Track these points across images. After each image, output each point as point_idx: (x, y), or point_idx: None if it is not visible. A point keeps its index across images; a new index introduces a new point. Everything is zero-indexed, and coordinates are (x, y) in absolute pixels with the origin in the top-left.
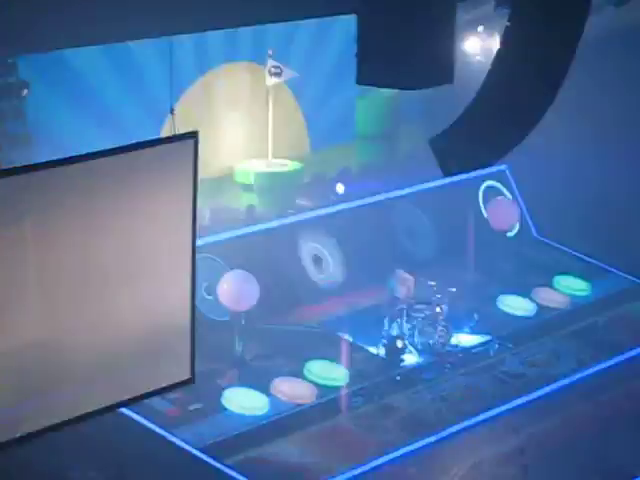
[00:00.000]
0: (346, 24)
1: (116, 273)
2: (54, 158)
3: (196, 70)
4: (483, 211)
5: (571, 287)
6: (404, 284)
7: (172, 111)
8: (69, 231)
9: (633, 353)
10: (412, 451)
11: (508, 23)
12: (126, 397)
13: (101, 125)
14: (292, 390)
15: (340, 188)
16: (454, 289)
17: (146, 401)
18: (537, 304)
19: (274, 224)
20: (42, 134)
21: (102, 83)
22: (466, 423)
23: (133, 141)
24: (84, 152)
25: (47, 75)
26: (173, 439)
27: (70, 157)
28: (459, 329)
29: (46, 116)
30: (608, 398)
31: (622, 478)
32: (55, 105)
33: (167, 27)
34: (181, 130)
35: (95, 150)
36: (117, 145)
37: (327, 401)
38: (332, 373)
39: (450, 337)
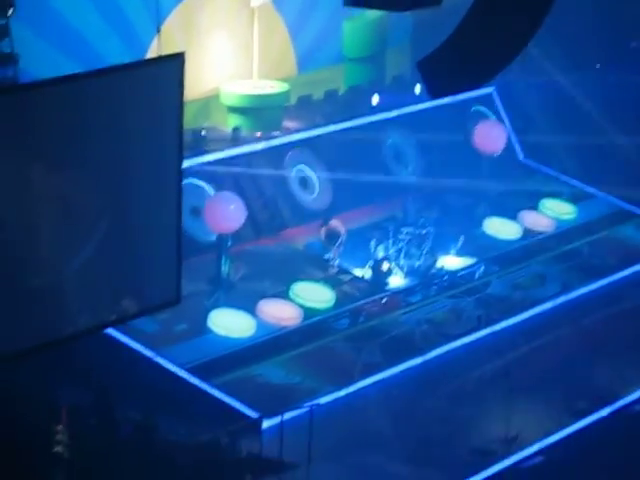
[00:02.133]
0: None
1: (102, 192)
2: (40, 79)
3: None
4: (470, 134)
5: (557, 210)
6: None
7: (158, 30)
8: (58, 149)
9: (617, 277)
10: (398, 373)
11: None
12: (111, 318)
13: (80, 60)
14: (278, 312)
15: (375, 99)
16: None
17: (132, 322)
18: (523, 227)
19: (260, 146)
20: (27, 54)
21: (83, 17)
22: (452, 345)
23: None
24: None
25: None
26: (159, 360)
27: (56, 77)
28: (445, 252)
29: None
30: (593, 321)
31: (606, 400)
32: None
33: None
34: (166, 52)
35: (80, 72)
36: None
37: (313, 323)
38: (318, 295)
39: (436, 260)
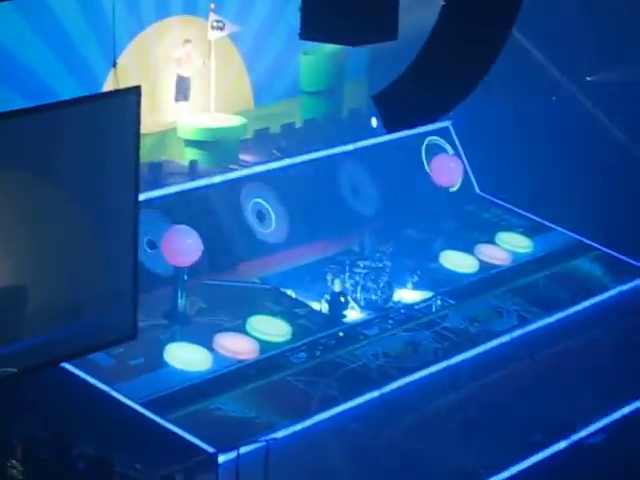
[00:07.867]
0: None
1: (59, 224)
2: None
3: (137, 25)
4: (426, 167)
5: (513, 244)
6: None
7: (114, 65)
8: (14, 180)
9: (573, 310)
10: (355, 406)
11: None
12: (67, 352)
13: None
14: (234, 345)
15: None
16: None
17: (88, 356)
18: (479, 261)
19: (217, 179)
20: None
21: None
22: (408, 379)
23: None
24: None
25: None
26: (115, 394)
27: (11, 111)
28: (402, 285)
29: None
30: (548, 354)
31: (562, 432)
32: None
33: None
34: (122, 86)
35: (37, 104)
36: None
37: (269, 357)
38: (274, 329)
39: (392, 293)
